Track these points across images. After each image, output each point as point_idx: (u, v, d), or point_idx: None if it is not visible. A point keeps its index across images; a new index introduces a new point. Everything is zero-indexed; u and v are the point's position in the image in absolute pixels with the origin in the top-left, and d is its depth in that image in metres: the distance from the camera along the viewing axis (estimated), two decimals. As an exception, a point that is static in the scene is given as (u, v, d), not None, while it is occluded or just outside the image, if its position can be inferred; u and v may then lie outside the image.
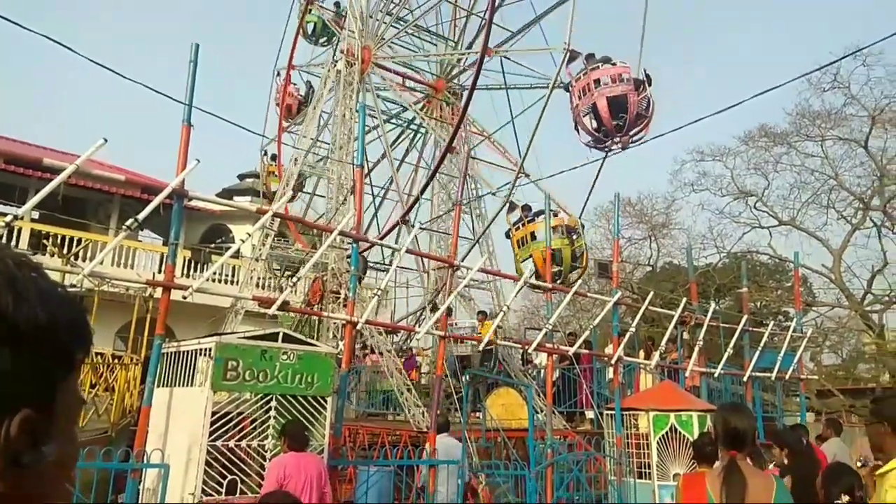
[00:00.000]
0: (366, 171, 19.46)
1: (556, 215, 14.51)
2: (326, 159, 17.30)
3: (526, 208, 14.90)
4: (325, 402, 7.23)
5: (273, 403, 6.88)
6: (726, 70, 72.00)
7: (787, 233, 27.55)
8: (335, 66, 17.73)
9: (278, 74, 23.14)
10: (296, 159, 18.42)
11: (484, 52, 15.59)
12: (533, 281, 11.02)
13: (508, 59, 16.75)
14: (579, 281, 12.78)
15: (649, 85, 14.45)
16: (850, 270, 25.91)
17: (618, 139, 14.54)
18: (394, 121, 20.71)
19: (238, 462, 6.64)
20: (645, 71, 14.50)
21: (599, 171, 15.09)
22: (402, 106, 20.25)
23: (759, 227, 27.96)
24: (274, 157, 23.01)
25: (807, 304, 24.82)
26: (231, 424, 6.69)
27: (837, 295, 26.02)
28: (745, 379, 12.57)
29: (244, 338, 6.93)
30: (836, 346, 28.50)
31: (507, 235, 15.10)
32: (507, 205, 15.38)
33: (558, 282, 14.33)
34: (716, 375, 12.40)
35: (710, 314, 12.05)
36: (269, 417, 6.85)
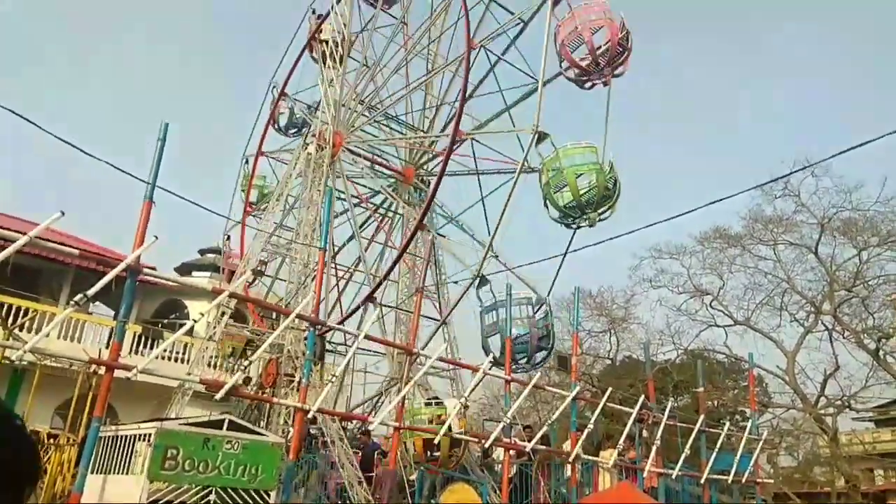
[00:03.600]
0: (331, 253, 19.53)
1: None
2: (291, 242, 17.25)
3: None
4: (269, 496, 6.88)
5: (212, 497, 6.50)
6: (684, 166, 75.29)
7: (742, 332, 28.07)
8: (306, 149, 17.98)
9: (246, 162, 23.46)
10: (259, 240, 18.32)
11: (455, 136, 16.08)
12: (491, 372, 10.90)
13: (478, 141, 17.27)
14: (538, 374, 12.67)
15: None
16: (804, 372, 26.36)
17: (602, 74, 15.09)
18: (362, 205, 20.91)
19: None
20: (622, 17, 15.23)
21: (569, 245, 15.44)
22: (371, 190, 20.53)
23: (715, 325, 28.48)
24: (248, 161, 23.08)
25: (762, 404, 25.00)
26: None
27: (792, 396, 26.31)
28: (702, 481, 12.44)
29: (187, 424, 6.62)
30: (791, 448, 28.59)
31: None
32: (479, 279, 15.35)
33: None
34: (674, 476, 12.24)
35: (667, 413, 12.03)
36: (208, 511, 6.47)
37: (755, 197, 27.39)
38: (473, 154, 17.84)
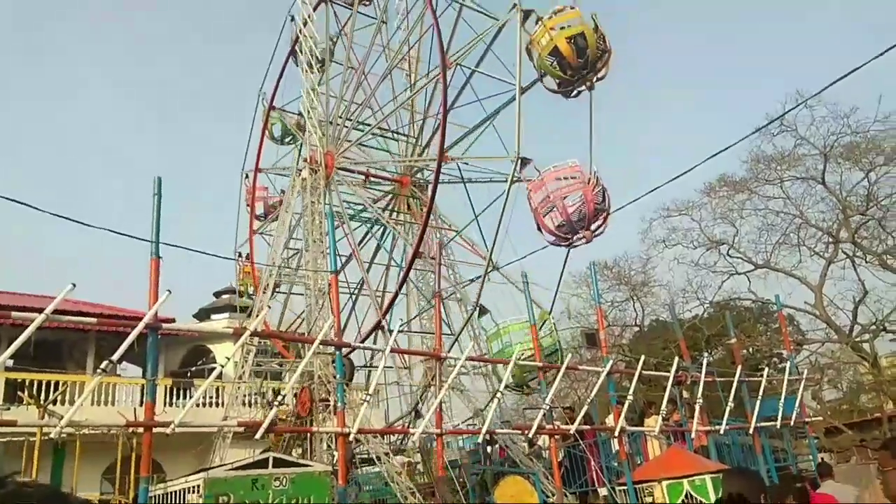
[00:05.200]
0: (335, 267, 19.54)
1: (572, 8, 14.57)
2: (299, 267, 17.32)
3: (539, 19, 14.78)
4: (326, 524, 6.90)
5: (271, 536, 6.53)
6: (675, 121, 74.92)
7: (764, 276, 27.84)
8: (300, 174, 18.01)
9: (247, 177, 23.65)
10: (269, 271, 18.38)
11: (441, 158, 16.01)
12: (521, 362, 10.88)
13: (466, 163, 17.19)
14: (569, 356, 12.61)
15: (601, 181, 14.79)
16: (834, 304, 26.12)
17: (581, 235, 14.68)
18: (364, 215, 20.90)
19: None
20: (595, 172, 14.82)
21: (565, 263, 15.36)
22: (367, 206, 20.56)
23: (736, 273, 28.26)
24: (247, 257, 23.20)
25: (797, 343, 24.80)
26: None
27: (826, 330, 26.09)
28: (750, 431, 12.36)
29: (233, 468, 6.65)
30: (834, 380, 28.33)
31: (527, 49, 14.87)
32: (478, 308, 15.48)
33: (588, 74, 14.27)
34: (722, 432, 12.17)
35: (703, 369, 11.94)
36: (268, 552, 6.49)
37: (753, 140, 27.14)
38: (461, 175, 17.80)
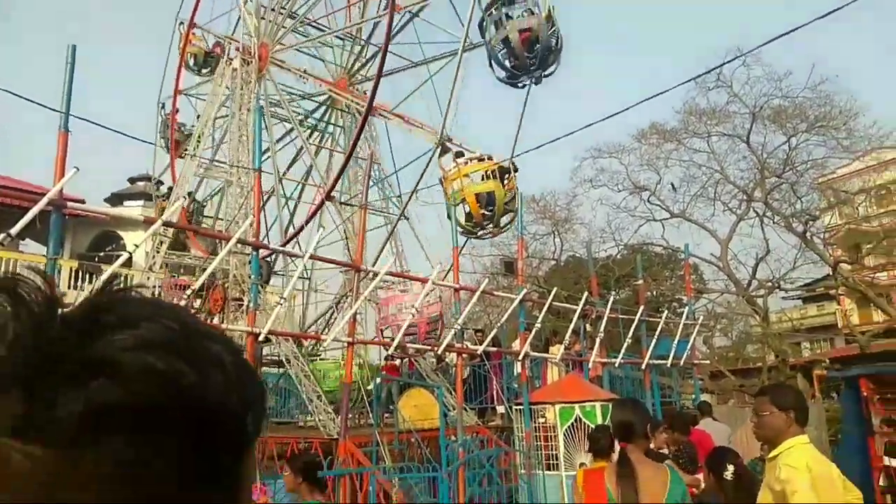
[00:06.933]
0: (277, 176, 19.03)
1: (489, 159, 14.90)
2: (233, 165, 16.70)
3: (459, 154, 15.10)
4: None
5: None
6: (617, 64, 75.20)
7: (678, 225, 29.02)
8: (230, 64, 17.08)
9: (163, 106, 22.13)
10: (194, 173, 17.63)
11: (392, 9, 15.56)
12: (440, 282, 11.09)
13: (417, 16, 16.93)
14: (485, 281, 12.93)
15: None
16: (737, 259, 27.60)
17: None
18: (296, 113, 20.17)
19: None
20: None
21: (525, 104, 15.56)
22: (305, 110, 19.87)
23: (653, 219, 29.30)
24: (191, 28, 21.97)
25: (697, 291, 26.28)
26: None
27: (726, 282, 27.68)
28: (643, 367, 13.21)
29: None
30: (725, 329, 30.33)
31: (440, 181, 15.33)
32: (440, 147, 15.48)
33: (490, 226, 14.77)
34: (616, 365, 12.94)
35: (609, 306, 12.56)
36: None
37: (690, 90, 27.63)
38: (417, 35, 17.53)
